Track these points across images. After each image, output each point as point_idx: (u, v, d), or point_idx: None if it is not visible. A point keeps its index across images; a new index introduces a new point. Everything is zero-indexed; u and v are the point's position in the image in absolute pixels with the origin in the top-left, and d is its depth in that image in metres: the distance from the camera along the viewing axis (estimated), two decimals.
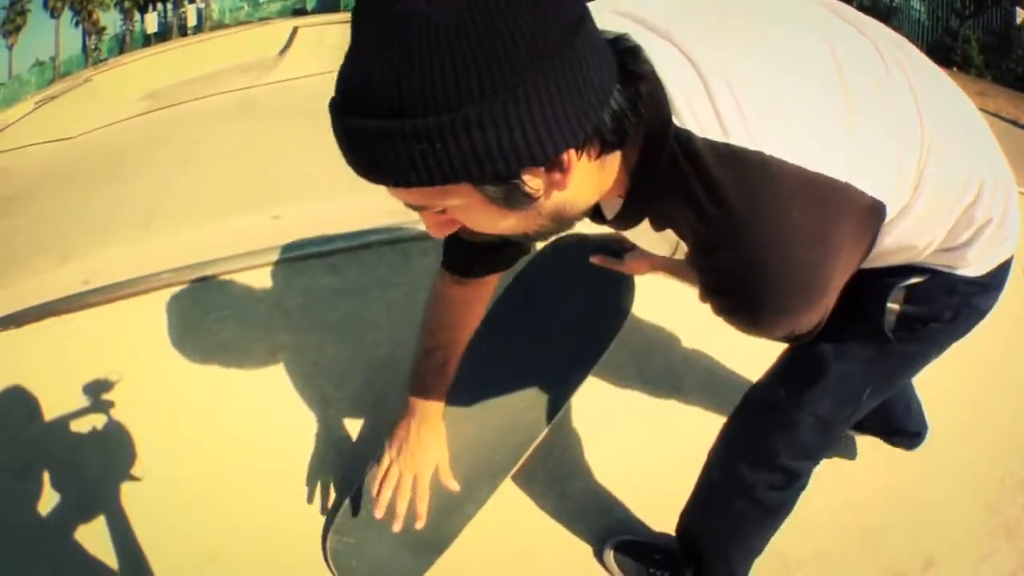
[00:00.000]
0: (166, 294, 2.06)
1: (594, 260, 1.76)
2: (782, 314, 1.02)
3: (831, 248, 0.95)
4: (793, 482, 1.56)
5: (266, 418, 2.01)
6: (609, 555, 1.94)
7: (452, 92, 0.72)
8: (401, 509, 1.61)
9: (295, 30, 15.30)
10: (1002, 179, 1.15)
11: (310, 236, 2.18)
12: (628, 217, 1.06)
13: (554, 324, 1.91)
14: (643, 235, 1.11)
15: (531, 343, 1.90)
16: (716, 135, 0.88)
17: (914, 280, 1.23)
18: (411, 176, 0.78)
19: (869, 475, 2.03)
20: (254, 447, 1.97)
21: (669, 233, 1.04)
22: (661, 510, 1.94)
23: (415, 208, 0.89)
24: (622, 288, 1.87)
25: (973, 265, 1.21)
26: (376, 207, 2.38)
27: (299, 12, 28.62)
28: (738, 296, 1.01)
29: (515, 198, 0.84)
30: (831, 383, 1.39)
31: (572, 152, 0.81)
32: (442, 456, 1.67)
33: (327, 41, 14.13)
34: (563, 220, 0.95)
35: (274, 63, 14.12)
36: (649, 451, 2.06)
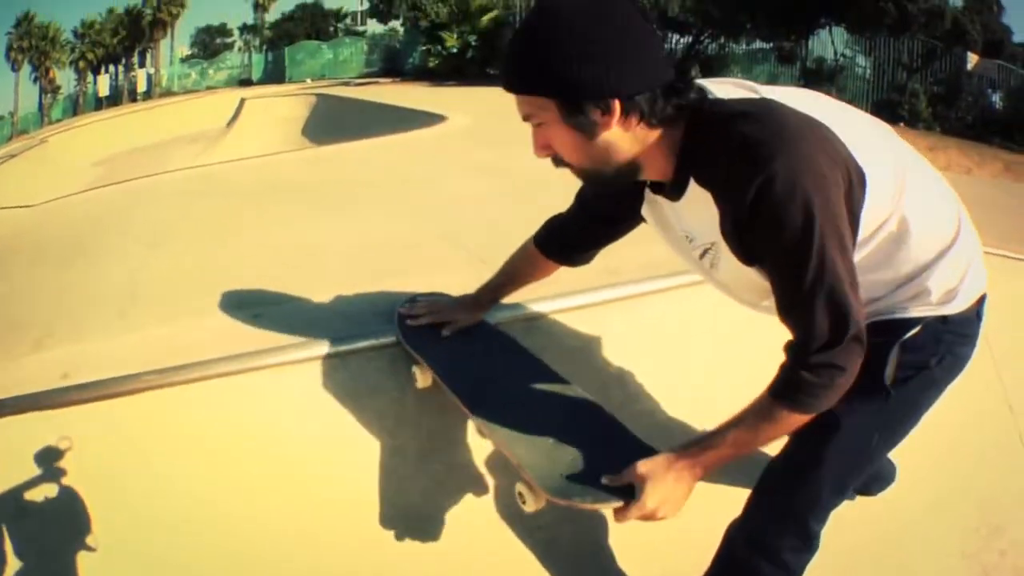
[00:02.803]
0: (151, 396, 1.91)
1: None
2: (806, 213, 1.24)
3: (823, 152, 1.27)
4: (812, 543, 1.64)
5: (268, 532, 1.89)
6: None
7: (565, 40, 1.26)
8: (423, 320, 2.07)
9: (242, 101, 15.05)
10: (959, 213, 1.49)
11: (294, 337, 2.07)
12: (678, 182, 1.41)
13: (600, 426, 1.72)
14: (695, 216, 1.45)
15: (581, 412, 1.78)
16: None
17: (909, 334, 1.44)
18: (524, 84, 1.34)
19: (850, 533, 1.95)
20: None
21: (709, 221, 1.38)
22: None
23: (527, 118, 1.38)
24: None
25: (947, 297, 1.44)
26: (364, 304, 2.31)
27: (245, 82, 28.42)
28: (770, 201, 1.24)
29: (579, 120, 1.31)
30: (844, 438, 1.50)
31: (618, 103, 1.28)
32: (462, 322, 2.06)
33: (273, 112, 13.94)
34: (611, 159, 1.36)
35: (222, 133, 13.86)
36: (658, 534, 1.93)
